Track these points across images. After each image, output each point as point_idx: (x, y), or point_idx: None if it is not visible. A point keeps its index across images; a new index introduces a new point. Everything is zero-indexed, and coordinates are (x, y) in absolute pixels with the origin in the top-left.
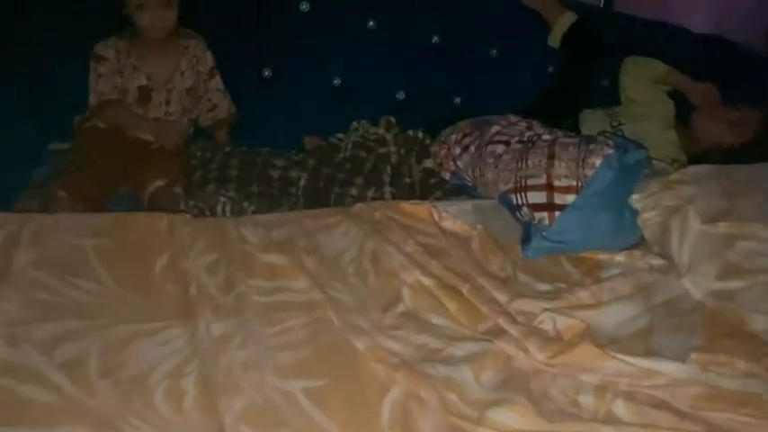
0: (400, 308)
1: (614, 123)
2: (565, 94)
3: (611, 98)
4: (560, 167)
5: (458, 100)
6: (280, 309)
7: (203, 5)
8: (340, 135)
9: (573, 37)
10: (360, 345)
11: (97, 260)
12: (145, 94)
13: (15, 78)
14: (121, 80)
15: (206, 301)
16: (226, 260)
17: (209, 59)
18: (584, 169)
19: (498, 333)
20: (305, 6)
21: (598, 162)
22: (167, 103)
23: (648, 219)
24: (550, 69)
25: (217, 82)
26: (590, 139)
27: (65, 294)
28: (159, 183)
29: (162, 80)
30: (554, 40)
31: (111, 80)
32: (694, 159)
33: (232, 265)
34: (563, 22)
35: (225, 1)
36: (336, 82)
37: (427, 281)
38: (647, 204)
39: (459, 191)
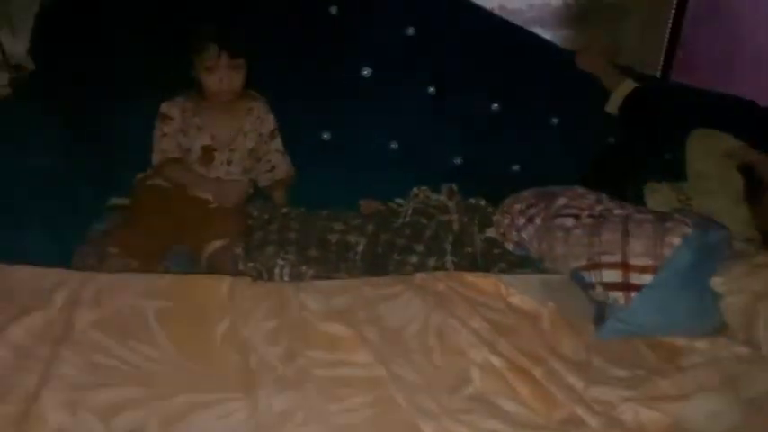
0: (469, 390)
1: (681, 198)
2: (622, 164)
3: (674, 172)
4: (636, 245)
5: (516, 168)
6: (342, 384)
7: (267, 68)
8: (399, 200)
9: (632, 105)
10: (427, 429)
11: (157, 323)
12: (208, 154)
13: (81, 133)
14: (185, 139)
15: (267, 373)
16: (286, 328)
17: (271, 121)
18: (661, 249)
19: (576, 423)
20: (366, 72)
21: (677, 241)
22: (229, 163)
23: (733, 303)
24: (611, 140)
25: (277, 143)
26: (666, 217)
27: (125, 359)
28: (218, 243)
29: (225, 140)
30: (612, 106)
31: (174, 139)
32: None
33: (292, 333)
34: (622, 88)
35: (288, 64)
36: (394, 146)
37: (497, 361)
38: (731, 288)
39: (522, 263)
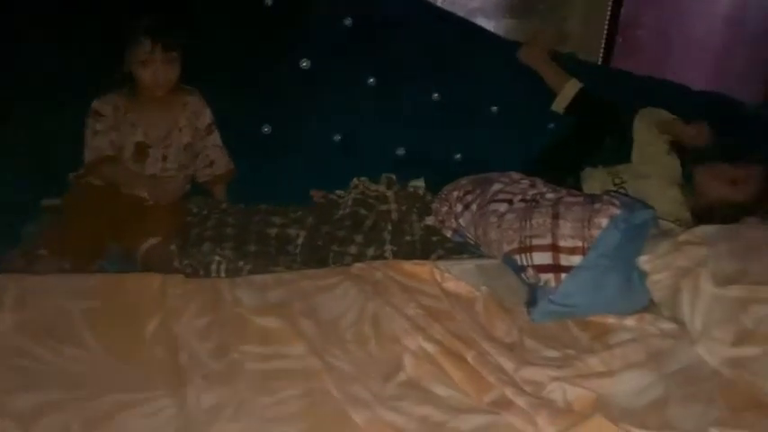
0: (402, 377)
1: (617, 181)
2: (568, 155)
3: (612, 157)
4: (565, 227)
5: (458, 156)
6: (274, 377)
7: (203, 62)
8: (340, 192)
9: (578, 105)
10: (359, 418)
11: (84, 324)
12: (141, 151)
13: (11, 132)
14: (118, 136)
15: (197, 369)
16: (219, 324)
17: (207, 115)
18: (590, 230)
19: (506, 404)
20: (305, 64)
21: (604, 222)
22: (164, 159)
23: (658, 281)
24: (551, 126)
25: (215, 138)
26: (595, 199)
27: (48, 361)
28: (153, 241)
29: (159, 136)
30: (558, 106)
31: (107, 136)
32: (697, 218)
33: (225, 329)
34: (567, 90)
35: (224, 57)
36: (336, 138)
37: (430, 347)
38: (656, 266)
39: (461, 249)
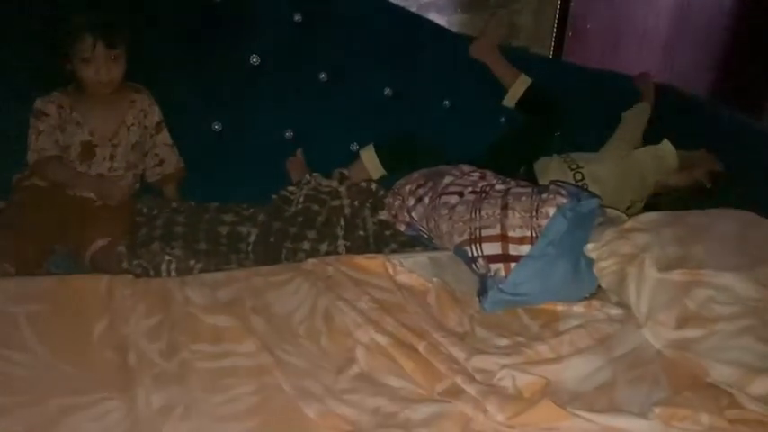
0: (354, 369)
1: (573, 167)
2: (519, 148)
3: (561, 147)
4: (514, 218)
5: None
6: (226, 375)
7: (151, 59)
8: (291, 188)
9: (528, 100)
10: (311, 412)
11: (29, 328)
12: (88, 150)
13: None
14: (63, 136)
15: (146, 369)
16: (169, 323)
17: (156, 114)
18: (537, 219)
19: (456, 393)
20: (255, 60)
21: (551, 212)
22: (112, 158)
23: (605, 268)
24: (503, 120)
25: (164, 136)
26: (542, 189)
27: None
28: (101, 242)
29: (106, 135)
30: (510, 101)
31: (51, 136)
32: (647, 205)
33: (175, 328)
34: (518, 86)
35: (172, 53)
36: (288, 134)
37: (382, 339)
38: (602, 253)
39: (414, 243)
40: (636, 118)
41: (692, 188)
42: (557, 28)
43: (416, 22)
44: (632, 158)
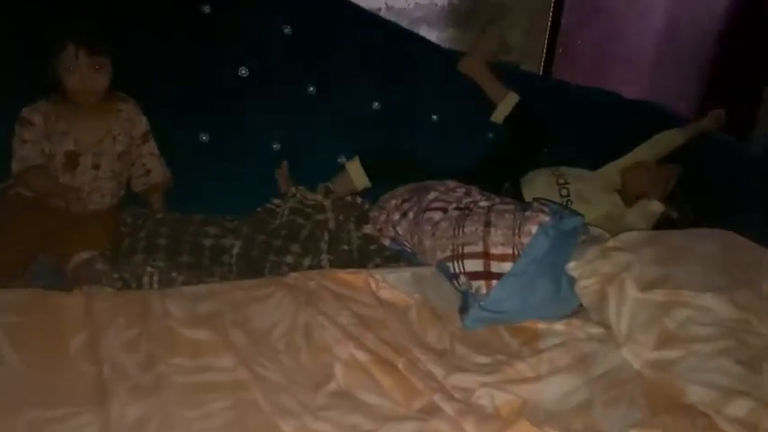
0: (332, 386)
1: (561, 181)
2: (506, 164)
3: (550, 163)
4: (496, 235)
5: None
6: (202, 390)
7: (140, 69)
8: (277, 201)
9: (516, 117)
10: (287, 428)
11: (6, 340)
12: (72, 159)
13: None
14: (49, 145)
15: (122, 382)
16: (147, 336)
17: (143, 123)
18: (520, 237)
19: (434, 411)
20: (244, 72)
21: (534, 229)
22: (96, 167)
23: (586, 287)
24: (490, 135)
25: (151, 146)
26: (526, 206)
27: None
28: (84, 255)
29: (90, 144)
30: (498, 117)
31: (37, 146)
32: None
33: (153, 341)
34: (507, 102)
35: (160, 64)
36: (276, 147)
37: (361, 355)
38: (583, 272)
39: (398, 257)
40: (653, 145)
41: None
42: (547, 44)
43: (405, 37)
44: (622, 216)
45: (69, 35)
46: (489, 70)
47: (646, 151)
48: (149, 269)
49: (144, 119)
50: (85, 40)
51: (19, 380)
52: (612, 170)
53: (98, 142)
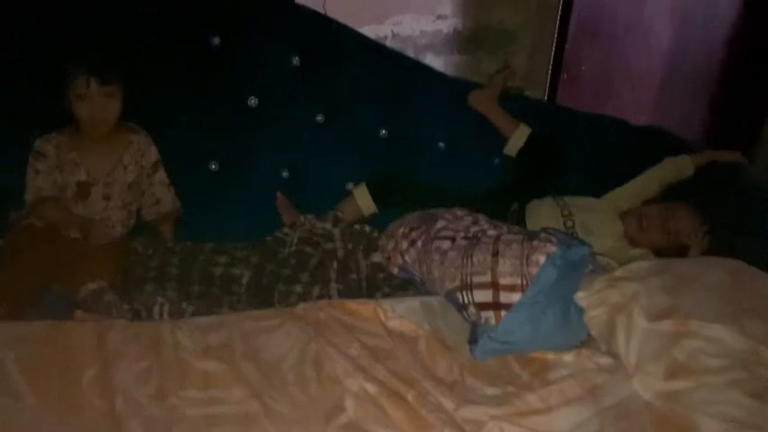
0: (342, 419)
1: (565, 213)
2: (517, 194)
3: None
4: (505, 265)
5: None
6: (213, 422)
7: (150, 99)
8: (286, 230)
9: (529, 149)
10: None
11: (18, 373)
12: (84, 190)
13: None
14: (61, 176)
15: (135, 415)
16: (158, 368)
17: (153, 153)
18: (528, 267)
19: None
20: (253, 101)
21: (542, 259)
22: (107, 198)
23: (594, 317)
24: (497, 161)
25: (161, 176)
26: (533, 236)
27: None
28: (92, 286)
29: (101, 174)
30: (511, 150)
31: (49, 176)
32: None
33: (165, 373)
34: (519, 136)
35: (171, 95)
36: (284, 175)
37: (372, 388)
38: (592, 302)
39: (407, 286)
40: (659, 171)
41: (656, 248)
42: (551, 70)
43: (412, 66)
44: (627, 247)
45: (81, 64)
46: (497, 105)
47: (654, 176)
48: (160, 300)
49: (154, 149)
50: (97, 69)
51: (33, 413)
52: (620, 196)
53: (109, 172)
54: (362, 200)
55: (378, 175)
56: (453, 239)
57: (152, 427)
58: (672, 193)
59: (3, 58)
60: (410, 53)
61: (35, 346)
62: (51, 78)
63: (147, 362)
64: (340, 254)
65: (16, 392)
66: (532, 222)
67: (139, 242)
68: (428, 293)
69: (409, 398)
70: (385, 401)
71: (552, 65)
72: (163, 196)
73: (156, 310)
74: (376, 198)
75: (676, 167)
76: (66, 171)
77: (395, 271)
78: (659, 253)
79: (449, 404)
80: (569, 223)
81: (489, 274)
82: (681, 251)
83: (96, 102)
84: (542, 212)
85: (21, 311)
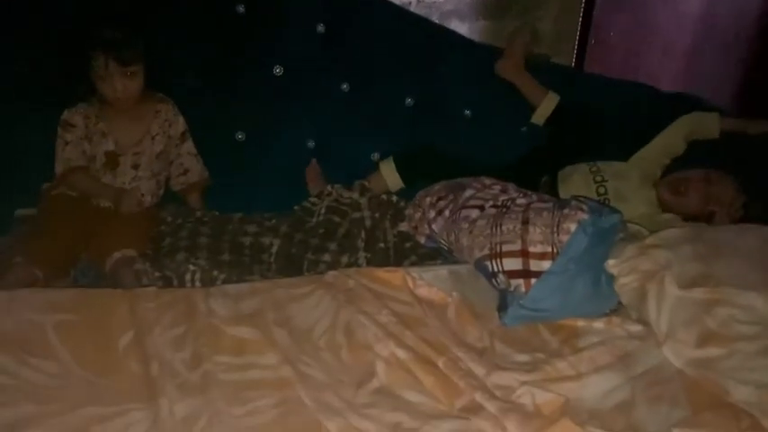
0: (374, 384)
1: (597, 179)
2: (545, 164)
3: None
4: (535, 233)
5: None
6: (248, 387)
7: (176, 69)
8: (313, 199)
9: (557, 117)
10: (331, 426)
11: (57, 338)
12: (112, 160)
13: None
14: (90, 146)
15: (170, 379)
16: (193, 334)
17: (180, 123)
18: (558, 235)
19: (476, 410)
20: (278, 70)
21: (573, 227)
22: (136, 167)
23: (625, 284)
24: (524, 129)
25: (189, 146)
26: (564, 204)
27: (21, 376)
28: (117, 255)
29: (129, 144)
30: (539, 119)
31: (78, 147)
32: None
33: (199, 339)
34: (547, 104)
35: (197, 64)
36: (310, 144)
37: (402, 354)
38: (622, 270)
39: (434, 255)
40: (683, 125)
41: (692, 213)
42: (579, 35)
43: (438, 32)
44: (660, 213)
45: (99, 45)
46: (526, 72)
47: (680, 130)
48: (192, 267)
49: (181, 118)
50: (115, 50)
51: (72, 377)
52: (647, 156)
53: (137, 143)
54: (389, 176)
55: (404, 152)
56: (482, 208)
57: (188, 391)
58: (707, 160)
59: (28, 31)
60: (435, 19)
61: (71, 313)
62: (76, 52)
63: (182, 328)
64: (367, 223)
65: (57, 357)
66: (565, 190)
67: (169, 212)
68: (456, 262)
69: (440, 364)
70: (416, 367)
71: (580, 30)
72: (191, 166)
73: (187, 277)
74: (403, 174)
75: (701, 122)
76: (94, 141)
77: (422, 240)
78: (687, 219)
79: (479, 370)
80: (602, 190)
81: (519, 242)
82: (708, 219)
83: (117, 82)
84: (575, 179)
85: (55, 278)
